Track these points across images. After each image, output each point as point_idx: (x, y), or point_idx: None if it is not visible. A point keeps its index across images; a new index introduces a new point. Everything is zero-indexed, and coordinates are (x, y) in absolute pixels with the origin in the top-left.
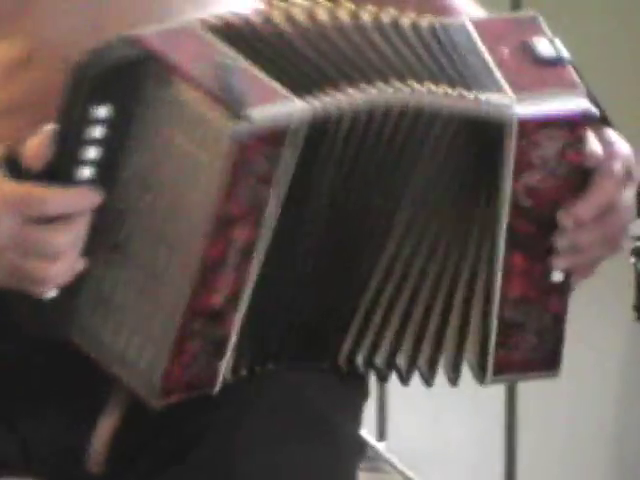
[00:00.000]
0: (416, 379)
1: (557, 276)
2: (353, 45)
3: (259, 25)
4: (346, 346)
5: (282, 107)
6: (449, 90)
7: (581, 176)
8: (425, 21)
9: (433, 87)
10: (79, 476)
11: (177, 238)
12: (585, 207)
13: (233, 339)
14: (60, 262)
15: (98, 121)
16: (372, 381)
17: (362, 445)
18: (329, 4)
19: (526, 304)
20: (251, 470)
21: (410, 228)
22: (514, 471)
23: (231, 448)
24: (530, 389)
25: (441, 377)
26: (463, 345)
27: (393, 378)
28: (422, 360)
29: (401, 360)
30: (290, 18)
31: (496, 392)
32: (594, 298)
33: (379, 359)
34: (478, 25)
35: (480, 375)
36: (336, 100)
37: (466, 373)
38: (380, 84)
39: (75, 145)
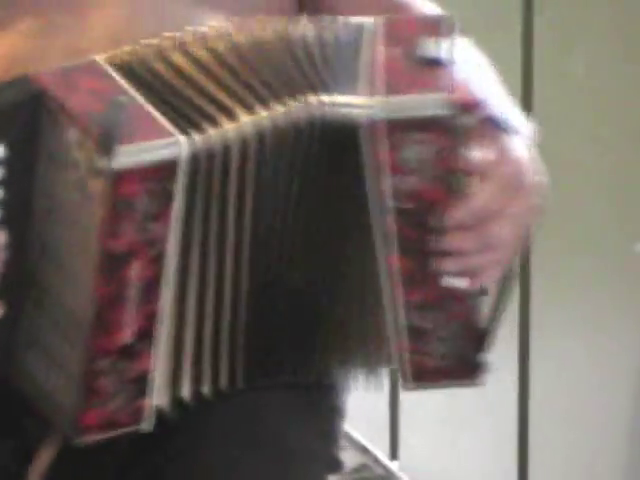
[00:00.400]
0: (430, 402)
1: (450, 281)
2: (231, 71)
3: (164, 59)
4: (318, 358)
5: (161, 144)
6: (313, 98)
7: (462, 180)
8: (314, 28)
9: (295, 102)
10: None
11: (76, 277)
12: (462, 210)
13: (154, 372)
14: None
15: None
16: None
17: (333, 460)
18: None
19: (429, 310)
20: None
21: (295, 238)
22: None
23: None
24: (543, 408)
25: (452, 398)
26: (381, 350)
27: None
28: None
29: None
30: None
31: (508, 411)
32: (611, 311)
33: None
34: (388, 25)
35: (402, 381)
36: (214, 133)
37: (472, 394)
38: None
39: None
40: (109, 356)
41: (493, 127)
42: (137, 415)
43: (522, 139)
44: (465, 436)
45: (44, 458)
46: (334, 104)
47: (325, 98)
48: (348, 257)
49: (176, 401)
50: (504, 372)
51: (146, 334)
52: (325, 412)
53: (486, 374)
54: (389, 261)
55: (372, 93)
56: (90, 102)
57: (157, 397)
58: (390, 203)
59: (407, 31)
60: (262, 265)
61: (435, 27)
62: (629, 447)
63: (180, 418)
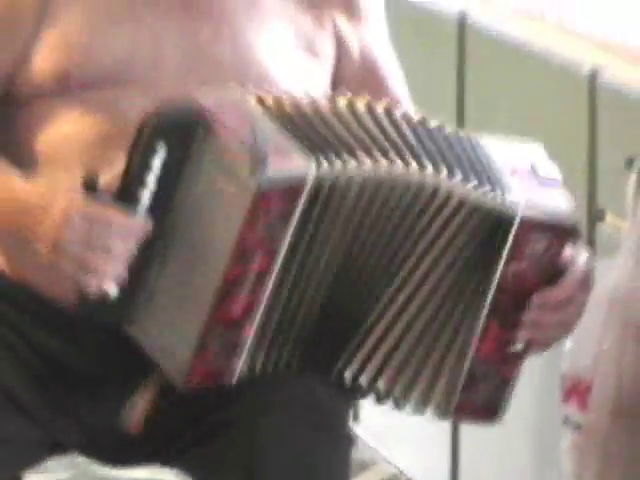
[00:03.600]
0: None
1: (519, 346)
2: (365, 128)
3: (297, 105)
4: (340, 362)
5: (299, 164)
6: (466, 181)
7: (554, 271)
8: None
9: (444, 174)
10: (120, 452)
11: (209, 259)
12: (554, 294)
13: (248, 345)
14: (114, 262)
15: (157, 162)
16: None
17: (354, 436)
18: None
19: (491, 364)
20: (268, 463)
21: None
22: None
23: (251, 441)
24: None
25: None
26: (435, 385)
27: None
28: (398, 389)
29: (381, 385)
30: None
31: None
32: None
33: (363, 379)
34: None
35: (443, 411)
36: (344, 167)
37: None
38: (394, 161)
39: (139, 174)
40: (222, 325)
41: (574, 237)
42: (230, 373)
43: (581, 244)
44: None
45: (145, 399)
46: (488, 193)
47: (479, 185)
48: (430, 308)
49: (251, 371)
50: None
51: (250, 311)
52: (350, 396)
53: (502, 418)
54: (489, 326)
55: (513, 193)
56: (240, 129)
57: (243, 363)
58: (509, 282)
59: (522, 155)
60: (339, 288)
61: (534, 153)
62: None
63: (247, 386)
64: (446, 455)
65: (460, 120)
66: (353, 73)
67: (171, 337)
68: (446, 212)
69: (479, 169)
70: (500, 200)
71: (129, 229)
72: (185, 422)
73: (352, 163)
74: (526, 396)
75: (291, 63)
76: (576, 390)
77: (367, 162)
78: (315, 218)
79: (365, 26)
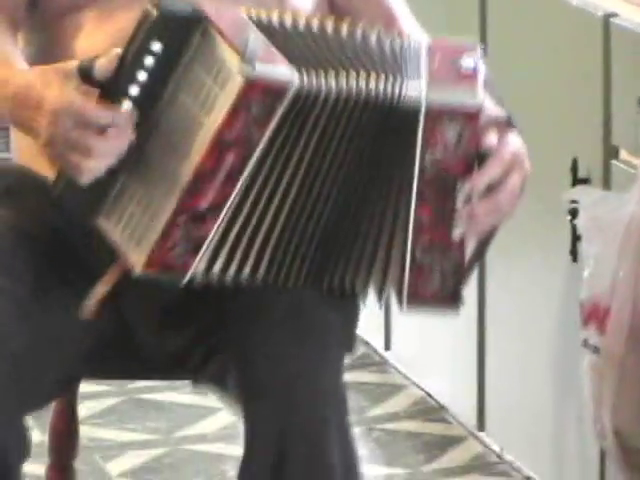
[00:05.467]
0: None
1: (456, 235)
2: (337, 45)
3: (291, 24)
4: (327, 271)
5: (283, 71)
6: (387, 78)
7: (474, 158)
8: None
9: (373, 76)
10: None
11: (184, 149)
12: (477, 180)
13: (208, 240)
14: (94, 160)
15: (151, 53)
16: None
17: (353, 339)
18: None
19: (433, 251)
20: (261, 363)
21: (348, 185)
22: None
23: (247, 343)
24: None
25: None
26: (387, 275)
27: None
28: (359, 282)
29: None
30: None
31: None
32: (539, 247)
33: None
34: (434, 42)
35: (399, 302)
36: (323, 81)
37: None
38: (351, 74)
39: (132, 66)
40: (186, 215)
41: (499, 122)
42: (186, 267)
43: (515, 132)
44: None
45: (106, 282)
46: (406, 87)
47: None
48: (375, 202)
49: (207, 271)
50: None
51: (216, 208)
52: (348, 302)
53: (460, 307)
54: (422, 212)
55: (431, 85)
56: (234, 31)
57: (200, 262)
58: (432, 171)
59: (452, 50)
60: (308, 189)
61: (467, 48)
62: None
63: (242, 289)
64: (473, 379)
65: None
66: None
67: (137, 224)
68: (356, 113)
69: (401, 66)
70: (401, 92)
71: (114, 128)
72: (188, 338)
73: (330, 78)
74: (547, 321)
75: None
76: (594, 315)
77: (341, 77)
78: (289, 125)
79: None
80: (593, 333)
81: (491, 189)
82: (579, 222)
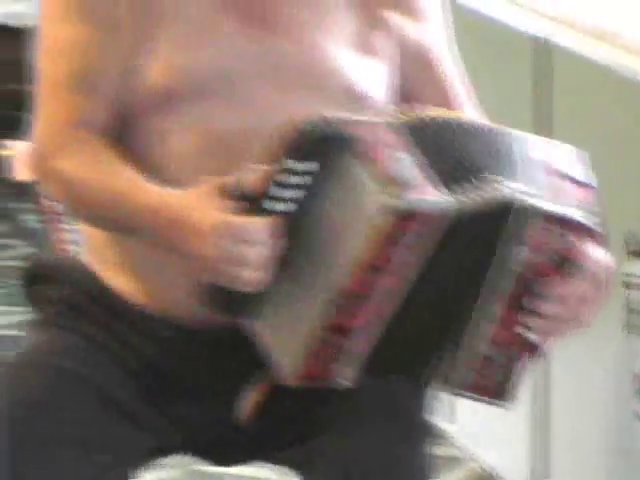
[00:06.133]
0: None
1: (530, 335)
2: (481, 146)
3: (430, 123)
4: (429, 365)
5: (433, 199)
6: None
7: (569, 267)
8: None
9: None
10: (227, 449)
11: (332, 270)
12: (561, 287)
13: (362, 355)
14: (257, 271)
15: (298, 172)
16: None
17: (434, 430)
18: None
19: (502, 347)
20: (361, 465)
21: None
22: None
23: (346, 444)
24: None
25: None
26: (454, 364)
27: None
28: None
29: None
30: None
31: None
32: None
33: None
34: (538, 143)
35: (453, 386)
36: (476, 198)
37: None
38: (501, 184)
39: (281, 185)
40: (335, 333)
41: (594, 236)
42: (339, 379)
43: (604, 248)
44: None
45: (255, 395)
46: (518, 191)
47: (512, 185)
48: (462, 300)
49: (356, 378)
50: None
51: (369, 326)
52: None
53: (511, 403)
54: (499, 306)
55: (537, 188)
56: (382, 151)
57: (351, 371)
58: (526, 273)
59: (562, 158)
60: (431, 296)
61: (578, 158)
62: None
63: (342, 392)
64: (528, 454)
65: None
66: (411, 69)
67: (288, 335)
68: (488, 221)
69: (511, 164)
70: (508, 190)
71: (267, 238)
72: (284, 420)
73: (482, 189)
74: (601, 393)
75: (355, 65)
76: None
77: (494, 186)
78: (440, 248)
79: (425, 24)
80: None
81: (569, 298)
82: (633, 295)
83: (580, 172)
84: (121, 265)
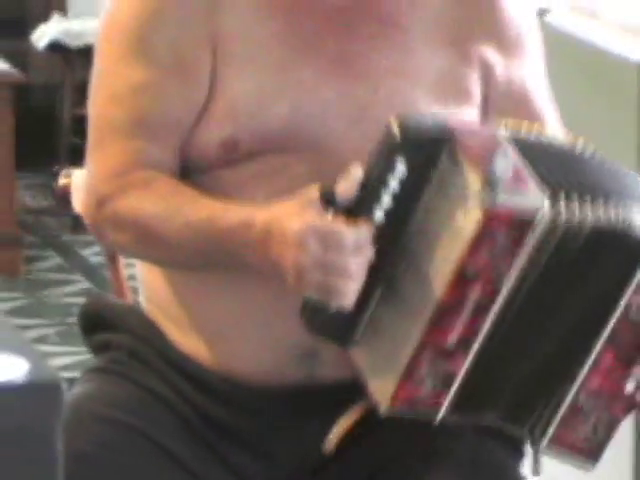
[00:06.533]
0: None
1: (630, 386)
2: (586, 167)
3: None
4: (535, 413)
5: (532, 200)
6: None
7: None
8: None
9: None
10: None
11: (428, 282)
12: None
13: (459, 378)
14: (352, 281)
15: (396, 176)
16: None
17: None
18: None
19: (598, 399)
20: None
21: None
22: None
23: None
24: None
25: None
26: (545, 410)
27: None
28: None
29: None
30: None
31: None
32: None
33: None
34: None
35: (540, 439)
36: (580, 208)
37: None
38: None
39: (376, 190)
40: (433, 351)
41: None
42: (435, 407)
43: None
44: None
45: (347, 422)
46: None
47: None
48: (566, 341)
49: (455, 410)
50: None
51: (465, 343)
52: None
53: (597, 463)
54: (605, 356)
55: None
56: (483, 153)
57: (451, 399)
58: (634, 315)
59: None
60: (539, 319)
61: None
62: None
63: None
64: None
65: None
66: (503, 110)
67: (383, 357)
68: (593, 241)
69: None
70: (632, 221)
71: (362, 246)
72: (357, 457)
73: (587, 205)
74: None
75: (444, 110)
76: None
77: (597, 206)
78: (537, 255)
79: (517, 59)
80: None
81: None
82: None
83: None
84: (187, 322)
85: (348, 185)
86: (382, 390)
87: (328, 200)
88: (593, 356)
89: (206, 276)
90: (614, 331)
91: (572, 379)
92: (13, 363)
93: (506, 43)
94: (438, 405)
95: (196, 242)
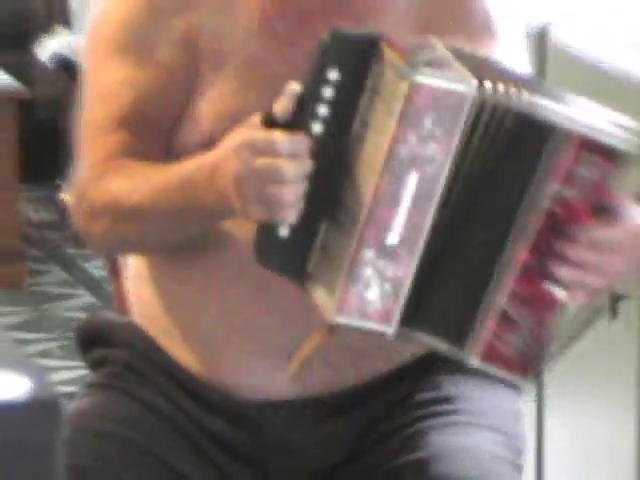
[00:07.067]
0: None
1: (555, 288)
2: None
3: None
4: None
5: (458, 82)
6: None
7: (603, 207)
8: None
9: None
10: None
11: (360, 179)
12: (602, 232)
13: (408, 283)
14: (289, 186)
15: (330, 83)
16: None
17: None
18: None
19: (525, 306)
20: None
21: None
22: None
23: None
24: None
25: None
26: (473, 321)
27: None
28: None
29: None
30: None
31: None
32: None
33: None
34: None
35: (468, 355)
36: (505, 92)
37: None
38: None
39: (311, 102)
40: (371, 248)
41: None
42: (386, 316)
43: None
44: None
45: (309, 344)
46: (554, 110)
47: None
48: (478, 236)
49: (410, 322)
50: None
51: (408, 242)
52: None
53: (534, 382)
54: (517, 252)
55: (583, 117)
56: (412, 50)
57: (400, 307)
58: (545, 204)
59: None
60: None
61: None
62: None
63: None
64: None
65: None
66: None
67: (329, 271)
68: (510, 125)
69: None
70: (544, 110)
71: (297, 153)
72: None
73: (511, 92)
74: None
75: None
76: None
77: (521, 94)
78: (468, 137)
79: (485, 46)
80: None
81: (609, 247)
82: None
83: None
84: (177, 333)
85: (285, 102)
86: (330, 300)
87: (269, 122)
88: (510, 253)
89: (193, 285)
90: (526, 224)
91: (494, 282)
92: (14, 380)
93: (473, 31)
94: (389, 316)
95: (166, 203)
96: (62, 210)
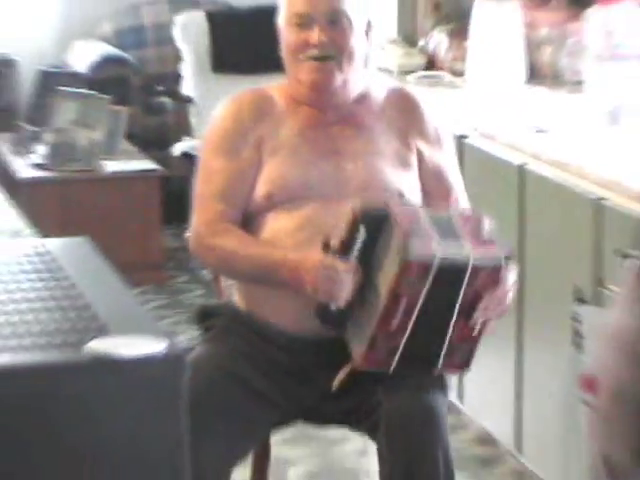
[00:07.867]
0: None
1: (475, 330)
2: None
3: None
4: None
5: (430, 253)
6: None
7: (494, 287)
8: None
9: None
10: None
11: (378, 296)
12: (491, 300)
13: (400, 349)
14: (343, 291)
15: (360, 233)
16: None
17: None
18: None
19: (462, 341)
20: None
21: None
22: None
23: (385, 417)
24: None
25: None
26: (442, 354)
27: None
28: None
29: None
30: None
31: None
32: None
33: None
34: (463, 217)
35: (438, 368)
36: (457, 251)
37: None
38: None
39: (351, 243)
40: (384, 332)
41: (503, 268)
42: (388, 365)
43: (513, 268)
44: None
45: (342, 374)
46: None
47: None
48: (446, 317)
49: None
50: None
51: (402, 329)
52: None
53: (468, 371)
54: (455, 325)
55: (468, 250)
56: (410, 224)
57: (391, 359)
58: (467, 295)
59: (475, 221)
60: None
61: (482, 221)
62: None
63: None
64: (512, 419)
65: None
66: (429, 180)
67: (357, 337)
68: (449, 271)
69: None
70: (461, 256)
71: (348, 272)
72: (358, 401)
73: (458, 248)
74: (562, 389)
75: (396, 175)
76: (590, 384)
77: (458, 246)
78: (433, 281)
79: (438, 150)
80: (590, 396)
81: (496, 303)
82: (576, 325)
83: (488, 233)
84: (261, 302)
85: (335, 240)
86: (357, 354)
87: (325, 247)
88: (451, 326)
89: (265, 288)
90: (460, 309)
91: (444, 337)
92: (155, 341)
93: (430, 139)
94: (389, 363)
95: (254, 267)
96: (186, 241)
